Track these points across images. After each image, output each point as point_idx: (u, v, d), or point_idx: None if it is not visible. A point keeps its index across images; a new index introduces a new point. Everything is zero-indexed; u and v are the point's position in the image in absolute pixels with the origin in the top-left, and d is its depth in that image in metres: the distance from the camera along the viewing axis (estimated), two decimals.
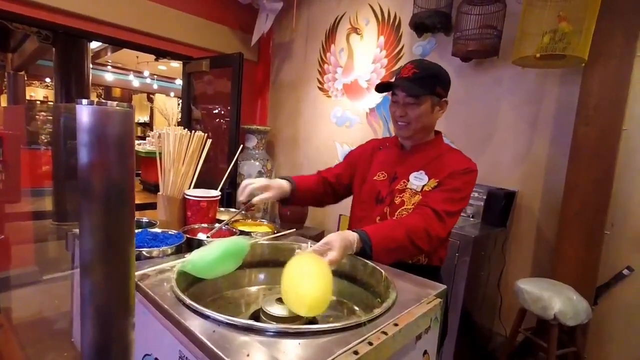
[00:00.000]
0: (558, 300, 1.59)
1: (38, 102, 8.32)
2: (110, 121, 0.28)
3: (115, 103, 0.28)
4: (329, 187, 1.28)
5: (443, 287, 0.82)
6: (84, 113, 0.27)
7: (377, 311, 0.65)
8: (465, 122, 2.33)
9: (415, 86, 1.06)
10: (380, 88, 1.13)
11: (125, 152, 0.29)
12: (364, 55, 2.90)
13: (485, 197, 2.13)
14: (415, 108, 1.09)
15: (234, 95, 2.94)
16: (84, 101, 0.27)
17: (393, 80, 1.13)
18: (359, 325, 0.61)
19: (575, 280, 1.75)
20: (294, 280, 0.69)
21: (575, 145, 1.83)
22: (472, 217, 2.17)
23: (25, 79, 6.75)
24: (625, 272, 1.85)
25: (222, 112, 3.38)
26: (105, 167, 0.28)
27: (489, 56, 2.12)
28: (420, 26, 2.33)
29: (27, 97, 7.91)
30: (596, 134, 1.75)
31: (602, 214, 1.78)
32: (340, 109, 3.09)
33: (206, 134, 1.19)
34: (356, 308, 0.87)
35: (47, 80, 8.48)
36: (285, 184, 1.16)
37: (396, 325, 0.63)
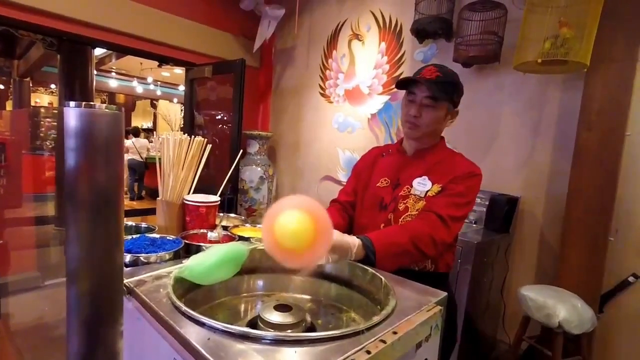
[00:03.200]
0: (562, 308, 1.56)
1: (42, 108, 8.40)
2: (98, 124, 0.27)
3: (104, 105, 0.28)
4: (350, 209, 1.26)
5: (444, 294, 0.80)
6: (71, 115, 0.27)
7: (375, 319, 0.64)
8: (466, 128, 2.32)
9: (438, 89, 1.06)
10: (401, 84, 1.11)
11: (114, 156, 0.29)
12: (366, 61, 2.91)
13: (487, 202, 2.11)
14: (432, 111, 1.08)
15: (236, 101, 2.95)
16: (72, 103, 0.27)
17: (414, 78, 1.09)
18: (357, 334, 0.60)
19: (579, 287, 1.72)
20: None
21: (577, 150, 1.82)
22: (475, 223, 2.15)
23: (31, 85, 6.83)
24: (631, 279, 1.83)
25: (225, 118, 3.40)
26: (92, 171, 0.28)
27: (490, 62, 2.12)
28: (421, 32, 2.34)
29: (32, 103, 8.00)
30: (599, 139, 1.73)
31: (606, 220, 1.75)
32: (342, 115, 3.09)
33: (206, 139, 1.19)
34: (355, 315, 0.86)
35: (52, 86, 8.58)
36: None
37: (395, 333, 0.62)
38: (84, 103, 0.26)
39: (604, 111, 1.72)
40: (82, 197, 0.27)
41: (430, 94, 1.07)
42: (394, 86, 2.67)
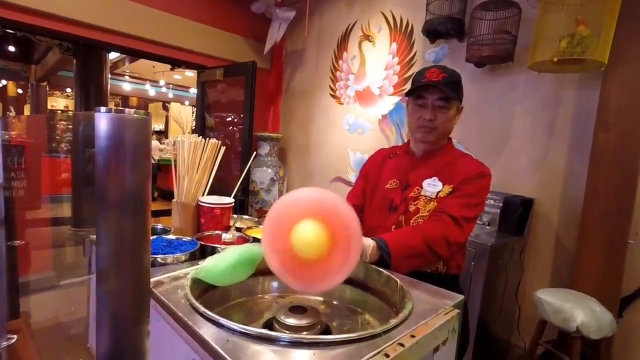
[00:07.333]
0: (580, 312, 1.53)
1: (59, 112, 8.59)
2: (128, 128, 0.28)
3: (132, 110, 0.29)
4: (361, 213, 1.25)
5: (461, 297, 0.79)
6: (102, 121, 0.28)
7: (393, 322, 0.64)
8: (479, 129, 2.30)
9: (449, 90, 1.07)
10: (412, 91, 1.12)
11: (142, 159, 0.29)
12: (376, 62, 2.90)
13: (501, 204, 2.08)
14: (445, 112, 1.09)
15: (247, 103, 2.97)
16: (103, 109, 0.27)
17: (418, 84, 1.10)
18: (374, 336, 0.59)
19: (597, 291, 1.68)
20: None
21: (595, 151, 1.78)
22: (488, 225, 2.12)
23: (47, 89, 7.00)
24: None
25: (235, 120, 3.43)
26: (122, 174, 0.28)
27: (504, 61, 2.09)
28: (432, 32, 2.33)
29: (49, 107, 8.19)
30: (617, 140, 1.69)
31: (624, 223, 1.71)
32: (353, 116, 3.08)
33: (219, 142, 1.20)
34: (370, 318, 0.86)
35: (68, 90, 8.77)
36: None
37: (413, 336, 0.61)
38: (114, 108, 0.27)
39: (622, 112, 1.68)
40: (112, 198, 0.28)
41: (442, 95, 1.07)
42: (404, 89, 2.68)
